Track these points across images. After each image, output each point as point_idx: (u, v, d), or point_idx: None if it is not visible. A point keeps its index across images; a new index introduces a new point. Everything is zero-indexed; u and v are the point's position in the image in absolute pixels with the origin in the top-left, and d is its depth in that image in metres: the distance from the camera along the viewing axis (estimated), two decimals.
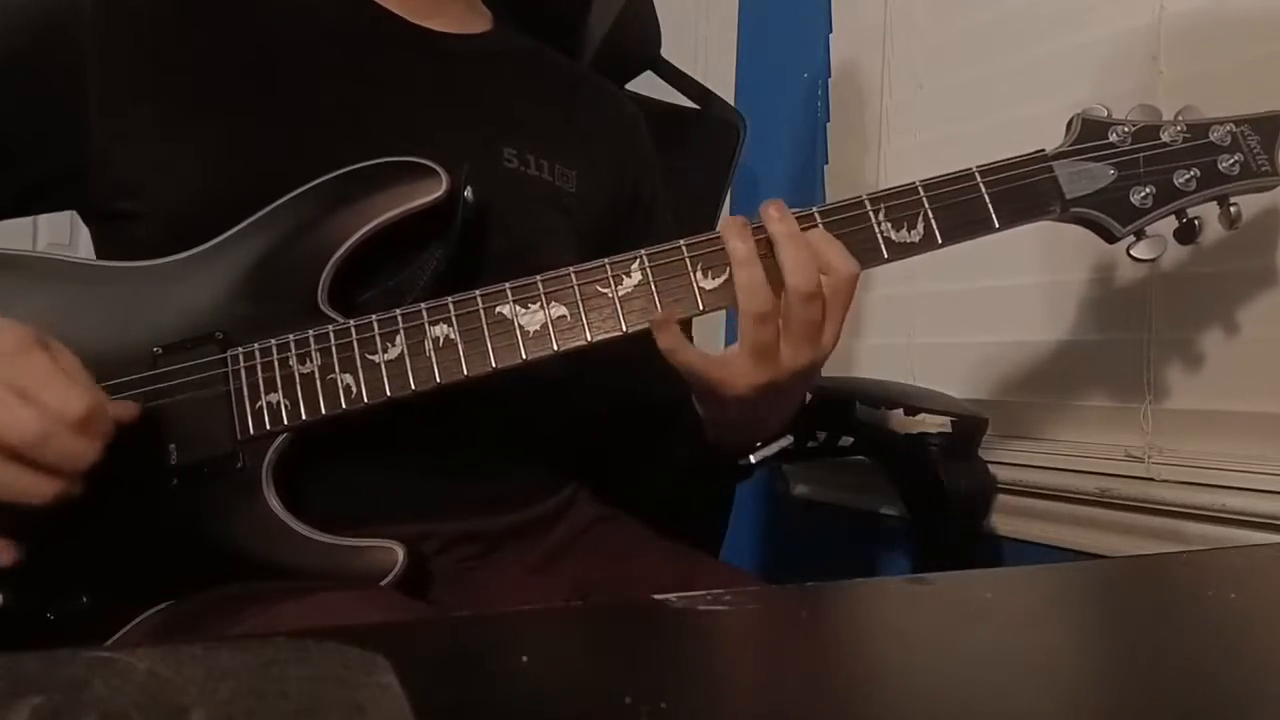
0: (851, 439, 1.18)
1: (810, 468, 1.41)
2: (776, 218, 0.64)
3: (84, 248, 0.76)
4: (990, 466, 1.09)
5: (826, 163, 1.44)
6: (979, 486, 1.09)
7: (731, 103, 1.27)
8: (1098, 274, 1.02)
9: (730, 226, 0.65)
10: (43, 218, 1.48)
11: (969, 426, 1.07)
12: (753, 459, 0.74)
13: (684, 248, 0.66)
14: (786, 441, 0.75)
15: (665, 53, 1.15)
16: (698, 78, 1.18)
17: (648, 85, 1.13)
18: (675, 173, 0.98)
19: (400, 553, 0.64)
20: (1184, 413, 0.94)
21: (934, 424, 1.09)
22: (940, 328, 1.23)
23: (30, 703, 0.26)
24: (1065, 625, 0.45)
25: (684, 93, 1.17)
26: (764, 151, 1.41)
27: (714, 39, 1.66)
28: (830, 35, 1.45)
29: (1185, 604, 0.48)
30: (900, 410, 1.09)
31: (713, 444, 0.75)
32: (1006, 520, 1.10)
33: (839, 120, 1.43)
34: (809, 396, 0.75)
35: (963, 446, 1.08)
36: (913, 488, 1.12)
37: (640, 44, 1.12)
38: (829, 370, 1.42)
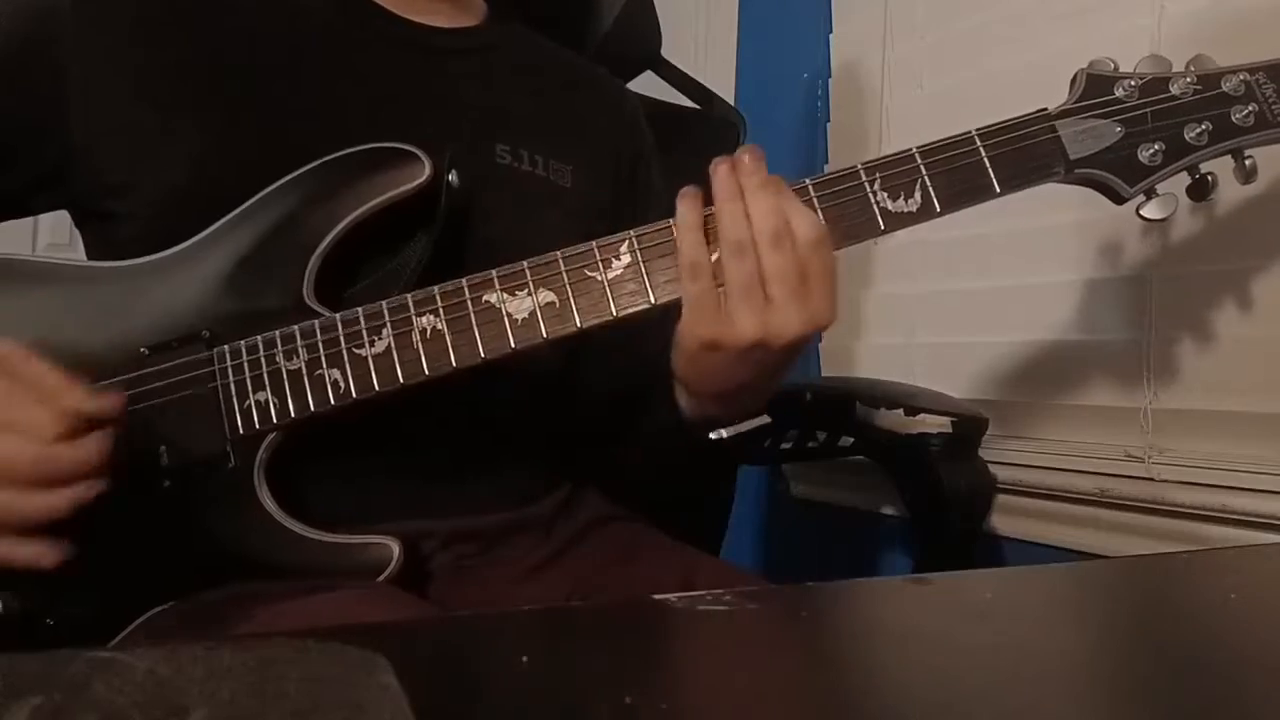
0: (851, 439, 1.18)
1: (810, 468, 1.41)
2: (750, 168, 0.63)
3: (83, 248, 0.76)
4: (990, 466, 1.09)
5: (826, 163, 1.44)
6: (979, 486, 1.09)
7: (731, 103, 1.27)
8: (1098, 273, 1.02)
9: (684, 195, 0.63)
10: (43, 218, 1.48)
11: (969, 426, 1.08)
12: (725, 433, 0.72)
13: (674, 227, 0.64)
14: (762, 420, 0.72)
15: (665, 53, 1.14)
16: (698, 78, 1.18)
17: (648, 85, 1.13)
18: (676, 173, 0.98)
19: (395, 548, 0.63)
20: (1184, 413, 0.94)
21: (934, 424, 1.09)
22: (940, 328, 1.23)
23: (30, 703, 0.26)
24: (1065, 625, 0.45)
25: (684, 93, 1.17)
26: (764, 151, 1.41)
27: (714, 39, 1.66)
28: (830, 35, 1.45)
29: (1185, 604, 0.48)
30: (900, 410, 1.09)
31: (687, 417, 0.72)
32: (1006, 520, 1.10)
33: (839, 120, 1.43)
34: (808, 395, 0.73)
35: (963, 446, 1.08)
36: (913, 488, 1.12)
37: (640, 44, 1.11)
38: (829, 370, 1.43)
